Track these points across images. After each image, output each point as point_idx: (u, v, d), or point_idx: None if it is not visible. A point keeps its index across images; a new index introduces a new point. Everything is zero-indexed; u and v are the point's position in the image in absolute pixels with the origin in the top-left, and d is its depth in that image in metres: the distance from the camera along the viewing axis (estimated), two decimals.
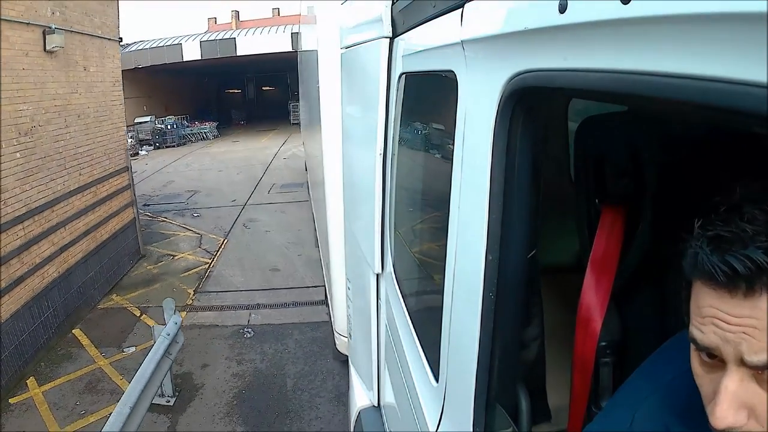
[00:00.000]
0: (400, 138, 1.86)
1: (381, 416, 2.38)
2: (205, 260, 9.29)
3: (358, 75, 2.42)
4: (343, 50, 2.71)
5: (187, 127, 26.18)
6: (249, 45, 24.09)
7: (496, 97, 0.96)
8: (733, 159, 1.15)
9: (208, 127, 27.24)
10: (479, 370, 1.09)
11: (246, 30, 26.16)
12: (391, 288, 2.00)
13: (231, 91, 36.68)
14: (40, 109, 6.41)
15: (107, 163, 8.29)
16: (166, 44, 23.41)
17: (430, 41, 1.42)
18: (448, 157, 1.22)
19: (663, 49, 0.56)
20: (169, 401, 5.08)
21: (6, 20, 5.68)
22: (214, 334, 6.54)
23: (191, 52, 23.70)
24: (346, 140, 2.81)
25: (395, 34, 1.84)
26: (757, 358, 0.60)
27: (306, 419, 4.82)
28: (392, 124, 1.91)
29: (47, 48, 6.46)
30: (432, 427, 1.40)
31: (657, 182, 1.20)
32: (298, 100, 32.05)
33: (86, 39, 7.69)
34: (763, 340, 0.59)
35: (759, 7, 0.43)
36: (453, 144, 1.19)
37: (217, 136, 27.12)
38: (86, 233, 7.44)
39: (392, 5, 1.84)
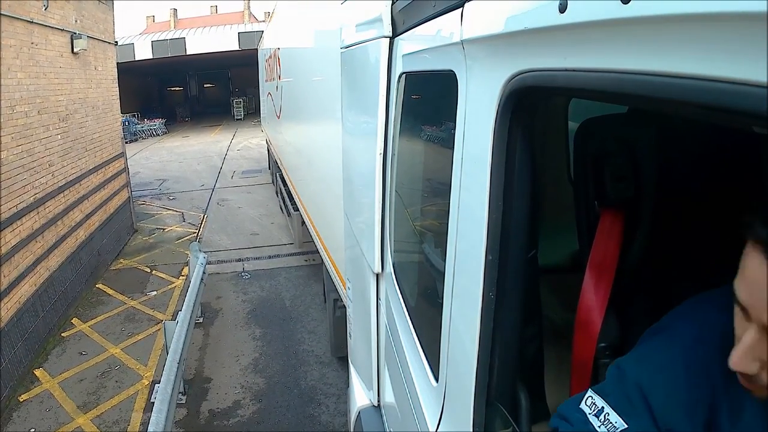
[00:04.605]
0: (400, 138, 1.85)
1: (381, 416, 2.38)
2: (193, 230, 10.60)
3: (358, 75, 2.41)
4: (343, 50, 2.71)
5: (137, 124, 26.37)
6: (198, 44, 24.47)
7: (496, 97, 0.96)
8: (734, 162, 1.15)
9: (157, 123, 27.20)
10: (479, 370, 1.09)
11: (194, 29, 26.32)
12: (391, 288, 2.00)
13: (173, 88, 36.53)
14: (70, 100, 7.71)
15: (111, 149, 9.60)
16: (119, 44, 23.53)
17: (430, 41, 1.42)
18: (448, 157, 1.22)
19: (663, 49, 0.56)
20: (199, 319, 6.42)
21: (48, 26, 6.91)
22: (218, 278, 7.92)
23: (143, 52, 23.92)
24: (346, 140, 2.81)
25: (395, 34, 1.84)
26: None
27: (305, 320, 6.50)
28: (392, 124, 1.90)
29: (74, 50, 7.78)
30: (432, 426, 1.40)
31: (656, 186, 1.20)
32: (240, 96, 32.55)
33: (96, 43, 8.94)
34: None
35: (759, 7, 0.42)
36: (453, 144, 1.19)
37: (166, 133, 27.41)
38: (100, 206, 8.72)
39: (392, 5, 1.83)
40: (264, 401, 4.98)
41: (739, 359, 0.71)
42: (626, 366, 0.91)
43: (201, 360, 5.75)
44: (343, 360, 4.83)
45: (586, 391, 0.91)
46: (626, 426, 0.83)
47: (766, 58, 0.43)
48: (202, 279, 6.42)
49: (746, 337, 0.70)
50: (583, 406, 0.89)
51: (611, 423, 0.85)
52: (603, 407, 0.86)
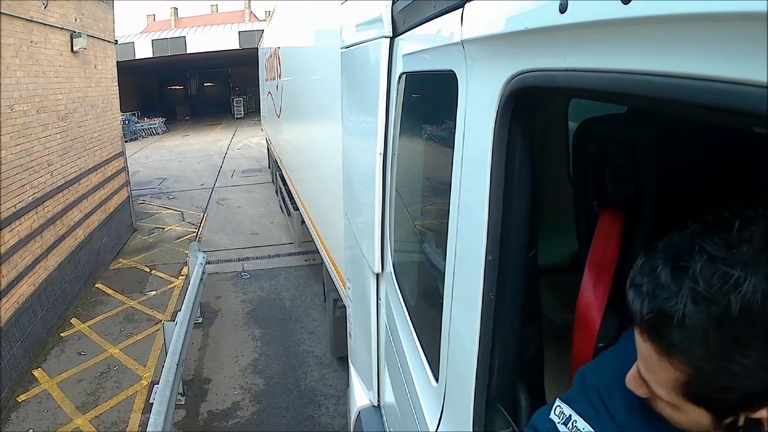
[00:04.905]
0: (400, 138, 1.85)
1: (381, 416, 2.38)
2: (192, 230, 10.57)
3: (359, 74, 2.42)
4: (344, 50, 2.71)
5: (138, 123, 26.34)
6: (198, 43, 24.52)
7: (496, 97, 0.96)
8: (734, 162, 1.15)
9: (157, 122, 27.32)
10: (479, 370, 1.09)
11: (195, 28, 26.38)
12: (391, 288, 2.00)
13: (174, 87, 36.64)
14: (69, 99, 7.67)
15: (110, 148, 9.57)
16: (119, 43, 23.63)
17: (430, 41, 1.42)
18: (448, 157, 1.22)
19: (663, 49, 0.56)
20: (198, 319, 6.40)
21: (47, 25, 6.89)
22: (217, 278, 7.88)
23: (143, 50, 23.98)
24: (346, 139, 2.81)
25: (395, 34, 1.84)
26: (645, 377, 0.70)
27: (305, 321, 6.47)
28: (392, 124, 1.90)
29: (74, 49, 7.75)
30: (432, 427, 1.40)
31: (656, 185, 1.20)
32: (240, 95, 32.56)
33: (95, 41, 8.92)
34: (644, 371, 0.69)
35: (759, 7, 0.42)
36: (453, 144, 1.19)
37: (166, 131, 27.43)
38: (100, 205, 8.67)
39: (392, 5, 1.84)
40: (263, 402, 4.96)
41: (627, 380, 0.75)
42: (587, 372, 0.93)
43: (200, 360, 5.72)
44: (343, 361, 4.80)
45: (555, 401, 0.92)
46: (593, 430, 0.85)
47: (766, 58, 0.43)
48: (201, 279, 6.39)
49: (634, 366, 0.74)
50: (552, 416, 0.91)
51: (578, 429, 0.86)
52: (570, 415, 0.88)
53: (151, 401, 4.13)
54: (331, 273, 4.42)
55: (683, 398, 0.67)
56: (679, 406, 0.68)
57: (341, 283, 3.66)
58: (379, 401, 2.41)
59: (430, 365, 1.47)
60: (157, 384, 4.14)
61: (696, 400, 0.66)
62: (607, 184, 1.24)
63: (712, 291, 0.59)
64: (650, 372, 0.69)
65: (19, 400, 5.15)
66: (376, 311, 2.27)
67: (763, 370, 0.58)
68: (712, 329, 0.59)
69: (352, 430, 2.69)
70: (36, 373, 5.59)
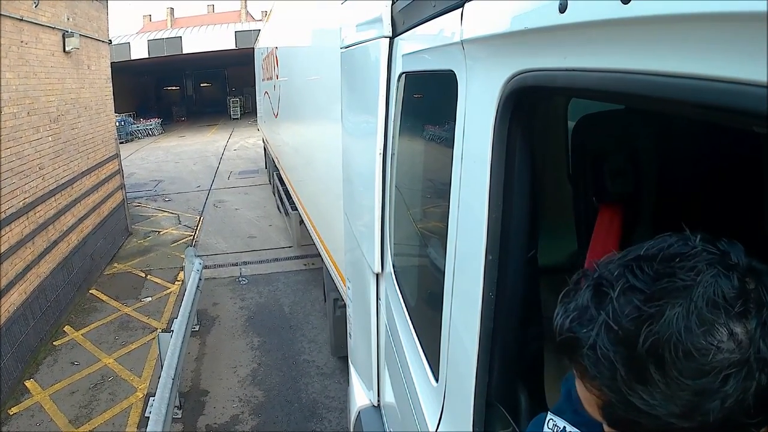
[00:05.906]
0: (399, 138, 1.85)
1: (381, 416, 2.38)
2: (189, 233, 10.33)
3: (358, 74, 2.42)
4: (343, 50, 2.71)
5: (133, 124, 25.89)
6: (195, 43, 24.50)
7: (496, 97, 0.96)
8: (733, 158, 1.15)
9: (153, 123, 27.12)
10: (479, 370, 1.09)
11: (191, 28, 26.37)
12: (391, 288, 2.00)
13: (170, 88, 36.60)
14: (61, 101, 7.47)
15: (104, 150, 9.34)
16: (114, 43, 23.71)
17: (430, 41, 1.42)
18: (448, 157, 1.22)
19: (663, 49, 0.56)
20: (195, 327, 6.22)
21: (39, 24, 6.76)
22: (215, 284, 7.69)
23: (139, 51, 23.97)
24: (346, 139, 2.81)
25: (395, 34, 1.84)
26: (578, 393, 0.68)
27: (305, 328, 6.32)
28: (392, 124, 1.90)
29: (66, 49, 7.55)
30: (432, 427, 1.40)
31: (656, 181, 1.20)
32: (236, 96, 32.46)
33: (89, 41, 8.74)
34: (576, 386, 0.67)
35: (759, 7, 0.42)
36: (453, 144, 1.19)
37: (162, 132, 27.08)
38: (94, 209, 8.48)
39: (392, 5, 1.84)
40: (263, 416, 4.78)
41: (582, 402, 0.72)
42: (572, 379, 0.92)
43: (197, 371, 5.54)
44: (345, 371, 4.68)
45: (546, 414, 0.92)
46: None
47: (766, 58, 0.43)
48: (198, 287, 6.19)
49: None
50: (546, 430, 0.90)
51: None
52: (564, 426, 0.88)
53: (147, 415, 3.97)
54: (331, 272, 4.42)
55: (604, 420, 0.66)
56: (605, 427, 0.67)
57: (341, 282, 3.66)
58: (379, 401, 2.41)
59: (430, 365, 1.47)
60: (153, 396, 4.00)
61: (613, 426, 0.65)
62: (606, 180, 1.24)
63: (623, 324, 0.57)
64: (578, 387, 0.68)
65: (11, 413, 4.95)
66: (376, 311, 2.27)
67: (672, 415, 0.56)
68: (620, 362, 0.58)
69: (352, 430, 2.69)
70: (28, 384, 5.39)
